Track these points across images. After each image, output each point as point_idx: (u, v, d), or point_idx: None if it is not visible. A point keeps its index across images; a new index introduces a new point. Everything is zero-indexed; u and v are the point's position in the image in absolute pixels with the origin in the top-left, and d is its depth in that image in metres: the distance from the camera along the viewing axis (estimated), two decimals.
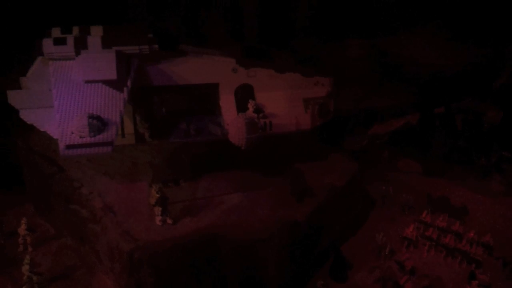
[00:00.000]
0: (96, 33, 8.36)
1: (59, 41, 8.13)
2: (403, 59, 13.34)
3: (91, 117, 7.49)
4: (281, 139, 9.52)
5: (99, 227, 8.41)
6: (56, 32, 8.38)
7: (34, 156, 10.01)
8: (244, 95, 9.09)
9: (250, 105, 8.98)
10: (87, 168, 9.53)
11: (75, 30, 8.45)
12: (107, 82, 7.90)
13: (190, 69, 8.80)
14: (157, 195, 8.01)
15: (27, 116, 8.24)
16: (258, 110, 9.00)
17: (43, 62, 8.27)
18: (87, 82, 7.88)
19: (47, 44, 8.11)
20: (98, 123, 7.52)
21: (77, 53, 8.07)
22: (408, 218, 10.53)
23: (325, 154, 10.75)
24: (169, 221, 8.13)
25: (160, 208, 8.01)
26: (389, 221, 10.60)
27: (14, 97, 8.22)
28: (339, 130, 12.58)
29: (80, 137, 7.45)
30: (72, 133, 7.47)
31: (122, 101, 7.86)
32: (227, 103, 9.02)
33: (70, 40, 8.15)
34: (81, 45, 8.11)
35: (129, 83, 8.02)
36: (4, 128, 11.15)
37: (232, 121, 8.66)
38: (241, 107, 8.99)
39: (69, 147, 7.44)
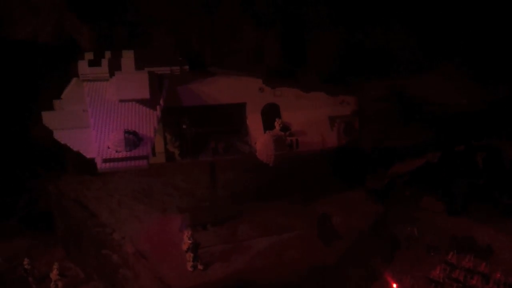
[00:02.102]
0: (128, 56, 8.75)
1: (94, 63, 8.54)
2: (423, 98, 13.53)
3: (127, 132, 7.86)
4: (303, 176, 9.57)
5: (131, 273, 8.59)
6: (89, 56, 8.78)
7: (66, 201, 10.32)
8: (270, 114, 9.34)
9: (277, 124, 9.22)
10: (118, 213, 9.80)
11: (107, 54, 8.86)
12: (141, 101, 8.29)
13: (219, 89, 9.13)
14: (189, 241, 8.20)
15: (61, 136, 8.53)
16: (285, 128, 9.23)
17: (78, 84, 8.62)
18: (122, 101, 8.26)
19: (82, 66, 8.50)
20: (133, 138, 7.87)
21: (111, 74, 8.47)
22: (434, 259, 10.51)
23: (348, 194, 10.92)
24: (199, 266, 8.28)
25: (192, 254, 8.19)
26: (415, 263, 10.56)
27: (48, 118, 8.54)
28: (359, 169, 12.73)
29: (117, 151, 7.77)
30: (109, 148, 7.82)
31: (156, 118, 8.23)
32: (254, 122, 9.27)
33: (105, 61, 8.56)
34: (115, 66, 8.52)
35: (161, 102, 8.38)
36: (35, 173, 11.55)
37: (260, 138, 8.88)
38: (268, 126, 9.24)
39: (105, 161, 7.76)
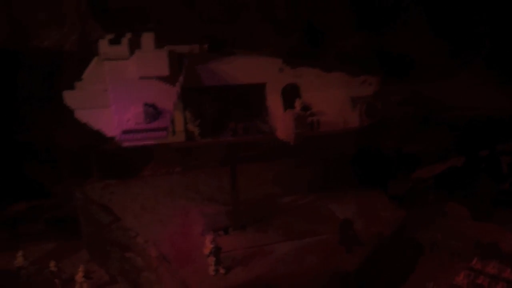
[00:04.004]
0: (148, 36, 8.74)
1: (114, 41, 8.60)
2: (445, 102, 13.42)
3: (146, 104, 8.07)
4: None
5: (155, 276, 8.72)
6: (109, 37, 8.84)
7: (90, 205, 10.54)
8: (291, 94, 9.24)
9: (297, 104, 9.12)
10: (141, 217, 9.97)
11: (128, 35, 8.91)
12: (160, 78, 8.40)
13: (238, 69, 9.07)
14: (211, 246, 8.28)
15: (81, 116, 8.67)
16: (306, 108, 9.16)
17: (98, 63, 8.70)
18: (142, 78, 8.36)
19: (103, 45, 8.57)
20: (153, 111, 8.11)
21: (131, 52, 8.53)
22: (458, 265, 10.35)
23: (370, 199, 10.86)
24: (221, 271, 8.35)
25: (214, 259, 8.27)
26: (439, 269, 10.45)
27: (69, 97, 8.64)
28: (381, 173, 12.65)
29: (136, 123, 7.96)
30: (128, 120, 8.02)
31: (175, 93, 8.41)
32: (274, 102, 9.18)
33: (125, 40, 8.63)
34: (135, 45, 8.59)
35: (181, 79, 8.50)
36: (61, 177, 11.82)
37: (280, 117, 8.85)
38: (288, 107, 9.11)
39: (125, 132, 8.04)
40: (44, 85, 11.04)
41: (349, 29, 12.46)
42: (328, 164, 12.36)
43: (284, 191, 11.20)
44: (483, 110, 13.31)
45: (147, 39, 8.58)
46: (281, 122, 8.77)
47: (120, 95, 8.31)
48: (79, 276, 9.56)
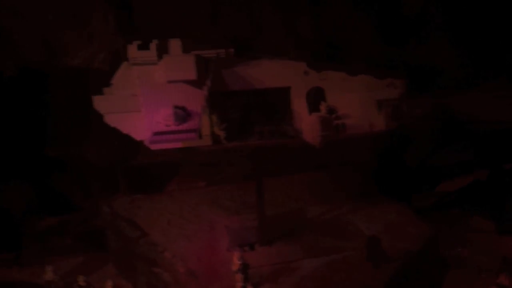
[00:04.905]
0: (175, 42, 9.08)
1: (143, 47, 8.92)
2: (469, 115, 13.33)
3: (176, 107, 8.35)
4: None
5: None
6: (137, 43, 9.17)
7: (118, 220, 10.73)
8: (316, 98, 9.30)
9: (323, 107, 9.15)
10: (168, 232, 10.11)
11: (155, 41, 9.16)
12: (188, 82, 8.68)
13: (264, 73, 9.21)
14: (239, 262, 8.36)
15: (111, 120, 8.96)
16: (331, 111, 9.20)
17: (127, 68, 9.03)
18: (170, 82, 8.66)
19: (132, 50, 8.91)
20: (182, 113, 8.42)
21: (159, 57, 8.82)
22: (485, 281, 10.23)
23: (395, 214, 10.82)
24: (249, 287, 8.42)
25: (242, 276, 8.34)
26: (465, 285, 10.33)
27: (99, 102, 8.94)
28: (405, 187, 12.60)
29: (166, 125, 8.19)
30: (159, 122, 8.22)
31: (203, 97, 8.61)
32: (299, 106, 9.25)
33: (153, 45, 8.92)
34: (162, 50, 8.90)
35: (208, 83, 8.69)
36: (89, 192, 12.08)
37: (305, 120, 8.92)
38: (313, 110, 9.16)
39: (156, 134, 8.29)
40: (73, 102, 11.34)
41: (373, 45, 12.51)
42: (352, 176, 12.37)
43: (309, 205, 11.23)
44: (508, 123, 13.19)
45: (175, 44, 8.93)
46: (307, 125, 8.84)
47: (150, 98, 8.61)
48: None
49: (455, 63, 13.15)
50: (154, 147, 8.44)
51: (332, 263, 9.02)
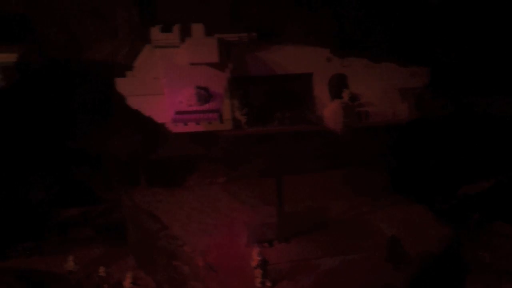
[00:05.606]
0: (198, 26, 9.17)
1: (166, 29, 9.03)
2: (495, 117, 13.10)
3: (198, 87, 8.47)
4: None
5: (201, 285, 8.88)
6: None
7: (139, 213, 10.83)
8: (338, 84, 9.26)
9: (345, 94, 9.11)
10: (188, 226, 10.17)
11: (177, 26, 9.28)
12: (211, 65, 8.77)
13: (286, 58, 9.28)
14: (258, 258, 8.38)
15: (133, 102, 9.13)
16: (354, 98, 9.12)
17: (149, 51, 9.12)
18: (192, 64, 8.74)
19: (155, 32, 8.95)
20: (205, 93, 8.58)
21: (182, 40, 8.86)
22: (506, 286, 10.09)
23: (415, 215, 10.72)
24: (268, 283, 8.42)
25: (261, 271, 8.35)
26: None
27: (122, 85, 9.10)
28: (426, 188, 12.44)
29: (189, 105, 8.21)
30: (181, 102, 8.32)
31: (225, 78, 8.76)
32: (321, 92, 9.32)
33: (176, 28, 8.99)
34: (185, 33, 8.96)
35: (230, 66, 8.81)
36: (111, 185, 12.21)
37: (328, 106, 8.90)
38: (335, 97, 9.23)
39: (178, 113, 8.45)
40: (97, 95, 11.48)
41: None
42: (373, 175, 12.27)
43: (329, 204, 11.19)
44: None
45: (197, 28, 8.98)
46: (329, 112, 8.84)
47: (172, 80, 8.72)
48: (127, 282, 9.80)
49: (485, 66, 12.85)
50: (176, 129, 8.57)
51: (351, 262, 8.99)
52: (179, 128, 8.62)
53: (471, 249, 10.93)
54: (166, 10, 12.21)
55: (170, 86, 8.65)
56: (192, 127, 8.73)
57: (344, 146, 11.74)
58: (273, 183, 9.93)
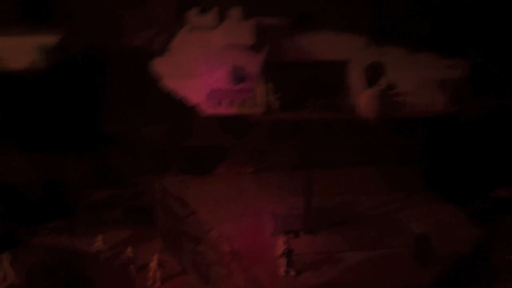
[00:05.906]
0: (235, 8, 9.16)
1: (203, 11, 9.13)
2: None
3: (233, 67, 8.63)
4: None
5: (225, 271, 8.98)
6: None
7: (168, 198, 11.03)
8: (375, 73, 9.11)
9: (382, 82, 8.91)
10: (215, 213, 10.29)
11: (215, 9, 9.32)
12: (246, 47, 8.84)
13: (323, 45, 9.17)
14: (283, 247, 8.40)
15: (169, 83, 9.17)
16: (390, 87, 8.95)
17: (186, 33, 9.20)
18: (229, 46, 8.84)
19: (192, 15, 9.11)
20: (240, 73, 8.67)
21: (219, 22, 9.01)
22: None
23: (446, 215, 10.51)
24: (292, 273, 8.44)
25: (286, 260, 8.37)
26: None
27: (158, 65, 9.18)
28: (460, 188, 12.16)
29: (224, 84, 8.59)
30: (216, 80, 8.63)
31: (260, 61, 8.85)
32: (356, 80, 9.13)
33: (213, 11, 9.10)
34: (222, 15, 9.08)
35: (266, 48, 8.86)
36: (142, 169, 12.46)
37: (363, 95, 8.79)
38: (371, 86, 9.00)
39: (213, 91, 8.68)
40: (132, 81, 11.71)
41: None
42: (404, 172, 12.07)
43: (357, 199, 11.12)
44: None
45: (235, 11, 9.04)
46: (364, 100, 8.66)
47: (208, 62, 8.81)
48: (154, 264, 10.04)
49: None
50: (209, 109, 8.69)
51: (377, 258, 8.89)
52: (212, 109, 8.70)
53: (501, 253, 10.67)
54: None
55: (206, 69, 8.75)
56: (225, 108, 8.79)
57: (377, 140, 11.60)
58: (302, 176, 9.91)
